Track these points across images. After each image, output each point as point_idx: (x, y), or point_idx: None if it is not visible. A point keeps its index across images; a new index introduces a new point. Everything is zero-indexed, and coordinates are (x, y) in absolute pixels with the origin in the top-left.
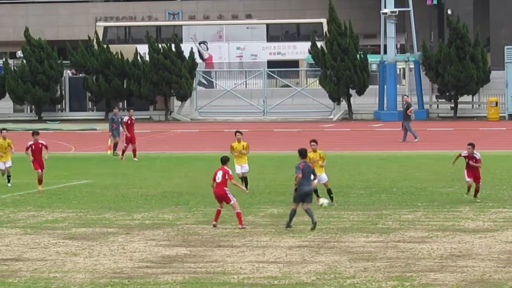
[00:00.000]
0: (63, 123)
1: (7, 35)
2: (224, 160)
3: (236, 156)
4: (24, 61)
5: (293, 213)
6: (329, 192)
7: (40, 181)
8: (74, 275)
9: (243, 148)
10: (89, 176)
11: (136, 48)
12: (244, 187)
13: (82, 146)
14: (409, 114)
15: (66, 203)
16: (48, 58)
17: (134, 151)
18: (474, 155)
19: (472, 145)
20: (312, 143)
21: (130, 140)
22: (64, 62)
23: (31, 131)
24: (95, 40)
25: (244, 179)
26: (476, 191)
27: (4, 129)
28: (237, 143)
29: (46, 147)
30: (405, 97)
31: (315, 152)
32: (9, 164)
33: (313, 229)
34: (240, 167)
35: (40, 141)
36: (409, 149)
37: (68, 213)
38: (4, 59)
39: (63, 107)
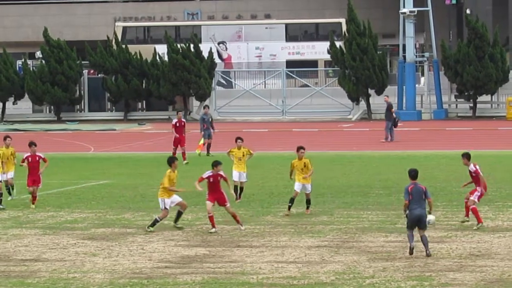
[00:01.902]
0: (82, 124)
1: (26, 36)
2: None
3: (235, 162)
4: (43, 61)
5: (411, 236)
6: (308, 202)
7: (34, 198)
8: (93, 276)
9: (243, 155)
10: (108, 177)
11: (155, 48)
12: (181, 189)
13: (101, 147)
14: (393, 114)
15: (85, 204)
16: (67, 58)
17: (183, 154)
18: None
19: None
20: (301, 150)
21: (179, 143)
22: (83, 62)
23: (29, 142)
24: (114, 40)
25: (240, 188)
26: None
27: (8, 136)
28: (237, 150)
29: (44, 160)
30: (385, 97)
31: (300, 160)
32: (11, 175)
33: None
34: (239, 174)
35: (37, 154)
36: (427, 149)
37: (87, 214)
38: (23, 60)
39: (82, 107)
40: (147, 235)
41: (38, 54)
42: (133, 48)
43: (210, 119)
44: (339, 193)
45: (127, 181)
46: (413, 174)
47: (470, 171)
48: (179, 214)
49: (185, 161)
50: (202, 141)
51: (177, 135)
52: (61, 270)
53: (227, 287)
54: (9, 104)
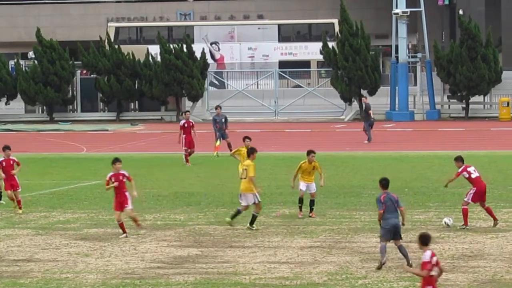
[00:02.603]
0: (75, 124)
1: (18, 36)
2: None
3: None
4: (36, 61)
5: (384, 249)
6: (312, 203)
7: (18, 202)
8: (86, 276)
9: None
10: (100, 177)
11: (147, 49)
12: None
13: (94, 147)
14: (370, 115)
15: (78, 204)
16: (60, 58)
17: (190, 154)
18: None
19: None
20: (312, 154)
21: (189, 144)
22: (75, 62)
23: (3, 146)
24: (106, 41)
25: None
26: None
27: None
28: (245, 149)
29: (18, 163)
30: (363, 98)
31: (310, 163)
32: None
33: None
34: (306, 184)
35: (11, 157)
36: (419, 150)
37: (80, 214)
38: (15, 60)
39: (75, 107)
40: (139, 236)
41: (31, 54)
42: (125, 49)
43: (223, 120)
44: (331, 193)
45: None
46: (384, 183)
47: (464, 176)
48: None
49: (188, 164)
50: (218, 143)
51: (186, 137)
52: (54, 270)
53: None
54: (1, 104)
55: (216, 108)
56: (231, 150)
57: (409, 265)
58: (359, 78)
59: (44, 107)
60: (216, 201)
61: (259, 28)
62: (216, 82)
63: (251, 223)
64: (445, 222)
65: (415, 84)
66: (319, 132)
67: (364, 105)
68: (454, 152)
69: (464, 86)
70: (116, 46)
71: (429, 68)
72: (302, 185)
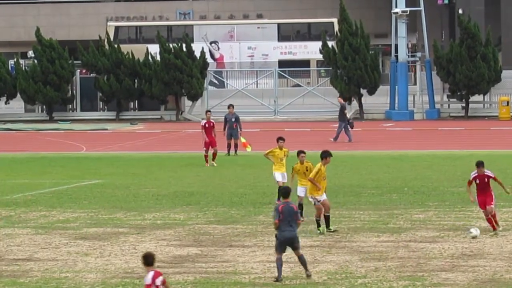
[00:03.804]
0: (74, 123)
1: (18, 35)
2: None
3: (277, 163)
4: (35, 61)
5: (280, 265)
6: (327, 220)
7: None
8: (86, 275)
9: (285, 155)
10: (100, 176)
11: (147, 48)
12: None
13: (93, 146)
14: (346, 115)
15: (77, 203)
16: (59, 58)
17: (214, 154)
18: (486, 173)
19: (481, 164)
20: (302, 154)
21: (210, 144)
22: (75, 62)
23: None
24: (106, 40)
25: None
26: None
27: None
28: (279, 150)
29: None
30: (339, 98)
31: (302, 164)
32: None
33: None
34: (281, 175)
35: None
36: (419, 149)
37: (79, 213)
38: (15, 59)
39: (74, 107)
40: (139, 235)
41: (30, 53)
42: (125, 48)
43: (233, 119)
44: (331, 193)
45: (119, 180)
46: (284, 193)
47: (488, 175)
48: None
49: (214, 163)
50: (244, 139)
51: (207, 137)
52: (53, 269)
53: (219, 287)
54: (1, 104)
55: (228, 107)
56: (235, 150)
57: (308, 275)
58: (359, 78)
59: (44, 107)
60: (216, 201)
61: (258, 28)
62: (216, 82)
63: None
64: (471, 232)
65: (415, 84)
66: (318, 131)
67: (340, 105)
68: (453, 151)
69: (464, 85)
70: (116, 46)
71: (429, 67)
72: (300, 190)
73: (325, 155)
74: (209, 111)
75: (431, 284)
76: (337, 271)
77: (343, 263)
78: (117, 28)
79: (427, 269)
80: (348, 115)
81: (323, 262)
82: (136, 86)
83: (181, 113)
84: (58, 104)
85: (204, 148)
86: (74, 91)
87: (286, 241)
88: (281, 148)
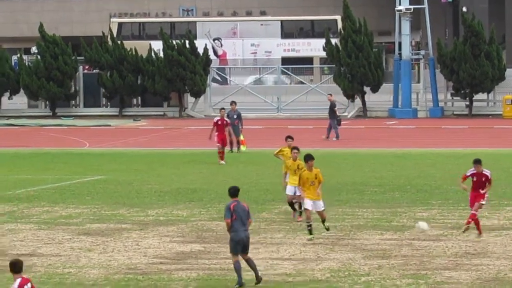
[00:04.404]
0: (77, 119)
1: (21, 31)
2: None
3: (292, 175)
4: (39, 57)
5: (239, 267)
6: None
7: None
8: (89, 271)
9: (298, 168)
10: (103, 172)
11: (150, 45)
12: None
13: (96, 142)
14: (336, 112)
15: (80, 199)
16: (63, 54)
17: (222, 153)
18: (485, 172)
19: (479, 161)
20: (295, 151)
21: (221, 142)
22: (78, 58)
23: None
24: (109, 36)
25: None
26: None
27: None
28: (288, 149)
29: None
30: (329, 96)
31: (294, 161)
32: None
33: (257, 283)
34: (295, 189)
35: None
36: (422, 147)
37: (82, 209)
38: (18, 55)
39: (77, 103)
40: (142, 231)
41: (34, 49)
42: (128, 44)
43: (235, 116)
44: (333, 190)
45: (122, 177)
46: (233, 192)
47: (485, 175)
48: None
49: (223, 162)
50: (242, 137)
51: (219, 134)
52: (57, 265)
53: (222, 284)
54: (4, 99)
55: (231, 104)
56: (236, 147)
57: (259, 280)
58: (362, 75)
59: (47, 102)
60: (219, 197)
61: (261, 25)
62: (219, 78)
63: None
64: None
65: (418, 81)
66: (321, 129)
67: (330, 103)
68: (457, 150)
69: (468, 84)
70: (119, 42)
71: (432, 65)
72: (289, 189)
73: (307, 159)
74: (223, 108)
75: (434, 282)
76: (340, 268)
77: (346, 261)
78: (120, 25)
79: (431, 268)
80: (351, 114)
81: (326, 260)
82: (139, 83)
83: (184, 110)
84: (61, 100)
85: (218, 145)
86: (77, 87)
87: (241, 241)
88: (289, 147)
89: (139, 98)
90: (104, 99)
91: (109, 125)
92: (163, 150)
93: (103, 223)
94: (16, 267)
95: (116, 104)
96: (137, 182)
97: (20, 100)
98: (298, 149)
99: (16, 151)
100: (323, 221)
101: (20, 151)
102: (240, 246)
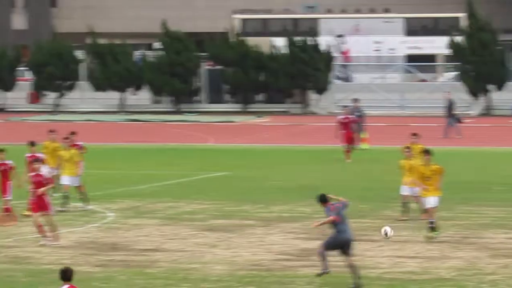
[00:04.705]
0: (201, 115)
1: (144, 27)
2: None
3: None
4: (162, 52)
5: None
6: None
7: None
8: (213, 267)
9: (434, 173)
10: (226, 168)
11: (273, 41)
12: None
13: (220, 138)
14: (454, 110)
15: (204, 195)
16: (186, 50)
17: (348, 151)
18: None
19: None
20: (427, 156)
21: (348, 140)
22: (201, 54)
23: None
24: (232, 33)
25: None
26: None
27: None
28: (415, 146)
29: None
30: (446, 93)
31: (426, 166)
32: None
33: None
34: (433, 199)
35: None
36: None
37: (206, 205)
38: (142, 51)
39: (201, 99)
40: (266, 227)
41: (157, 45)
42: (251, 40)
43: (358, 113)
44: (458, 188)
45: (246, 173)
46: (322, 199)
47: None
48: None
49: (349, 160)
50: (364, 135)
51: (344, 132)
52: (181, 260)
53: (346, 281)
54: (128, 95)
55: (353, 101)
56: (352, 144)
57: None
58: (486, 73)
59: (171, 98)
60: (342, 194)
61: (385, 22)
62: (342, 75)
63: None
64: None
65: None
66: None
67: (448, 101)
68: None
69: None
70: (242, 38)
71: None
72: (405, 189)
73: (423, 153)
74: (347, 106)
75: None
76: (466, 267)
77: (471, 260)
78: (243, 21)
79: None
80: (475, 112)
81: (452, 258)
82: (262, 79)
83: (307, 107)
84: (185, 96)
85: (344, 144)
86: (201, 83)
87: (343, 243)
88: (413, 144)
89: (262, 94)
90: (227, 95)
91: (233, 121)
92: (286, 146)
93: (227, 219)
94: (66, 275)
95: (240, 100)
96: (261, 178)
97: (144, 96)
98: (428, 152)
99: (140, 146)
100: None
101: (144, 146)
102: (337, 248)
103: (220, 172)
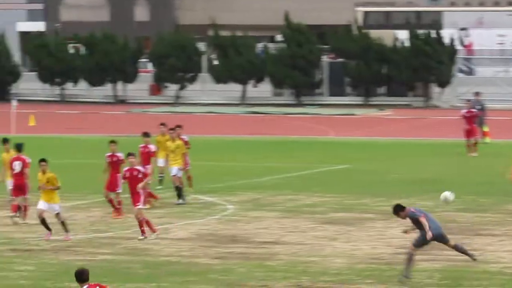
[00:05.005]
0: (322, 108)
1: (267, 19)
2: None
3: None
4: (284, 45)
5: (412, 260)
6: None
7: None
8: (333, 260)
9: None
10: (346, 161)
11: (395, 34)
12: None
13: (341, 131)
14: None
15: (325, 188)
16: (308, 42)
17: (473, 144)
18: None
19: None
20: None
21: (471, 134)
22: (323, 46)
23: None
24: (355, 25)
25: None
26: None
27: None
28: None
29: (123, 161)
30: None
31: None
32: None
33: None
34: None
35: (117, 153)
36: None
37: (327, 198)
38: (264, 43)
39: (322, 91)
40: (386, 221)
41: (279, 37)
42: (373, 33)
43: (479, 106)
44: None
45: (367, 166)
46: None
47: None
48: None
49: (473, 154)
50: (485, 128)
51: (467, 125)
52: (300, 253)
53: (466, 275)
54: (249, 87)
55: (474, 94)
56: (476, 138)
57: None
58: None
59: (292, 91)
60: (463, 188)
61: (509, 15)
62: (465, 69)
63: None
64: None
65: None
66: None
67: None
68: None
69: None
70: (364, 31)
71: None
72: None
73: None
74: (469, 100)
75: None
76: None
77: None
78: (366, 13)
79: None
80: None
81: None
82: (384, 72)
83: (430, 100)
84: (306, 89)
85: (469, 138)
86: (322, 76)
87: (436, 238)
88: None
89: (384, 87)
90: (349, 88)
91: (354, 114)
92: (408, 140)
93: (347, 212)
94: (82, 276)
95: (361, 93)
96: (382, 172)
97: (265, 88)
98: None
99: (261, 139)
100: None
101: (265, 139)
102: (429, 242)
103: (341, 165)
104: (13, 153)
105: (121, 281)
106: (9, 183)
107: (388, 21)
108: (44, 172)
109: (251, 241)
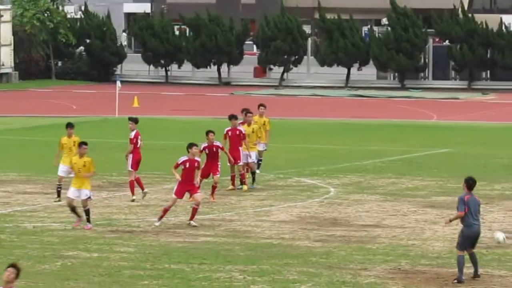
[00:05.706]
0: (426, 91)
1: (373, 2)
2: None
3: None
4: (389, 28)
5: (463, 262)
6: None
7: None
8: (433, 243)
9: None
10: (450, 145)
11: (501, 18)
12: None
13: (444, 115)
14: None
15: (427, 171)
16: (413, 26)
17: None
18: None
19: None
20: None
21: None
22: (428, 30)
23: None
24: (460, 9)
25: None
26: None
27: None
28: None
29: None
30: None
31: None
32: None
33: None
34: None
35: (215, 143)
36: None
37: (428, 181)
38: (369, 26)
39: (426, 75)
40: (488, 205)
41: (384, 21)
42: (478, 18)
43: None
44: None
45: (469, 150)
46: (471, 183)
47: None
48: None
49: None
50: None
51: None
52: (401, 236)
53: None
54: (353, 70)
55: None
56: None
57: (476, 275)
58: None
59: (396, 74)
60: None
61: None
62: None
63: None
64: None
65: None
66: None
67: None
68: None
69: None
70: (470, 15)
71: None
72: None
73: None
74: None
75: None
76: None
77: None
78: None
79: None
80: None
81: None
82: (488, 56)
83: None
84: (410, 72)
85: None
86: (427, 60)
87: (474, 237)
88: None
89: (488, 71)
90: (453, 72)
91: (457, 98)
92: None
93: (449, 195)
94: None
95: (465, 77)
96: (485, 156)
97: (369, 71)
98: None
99: (364, 122)
100: None
101: (369, 122)
102: (469, 242)
103: (443, 148)
104: (76, 139)
105: (222, 263)
106: (61, 167)
107: (494, 6)
108: (81, 156)
109: (352, 224)
